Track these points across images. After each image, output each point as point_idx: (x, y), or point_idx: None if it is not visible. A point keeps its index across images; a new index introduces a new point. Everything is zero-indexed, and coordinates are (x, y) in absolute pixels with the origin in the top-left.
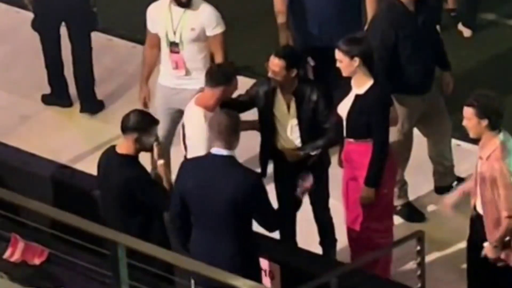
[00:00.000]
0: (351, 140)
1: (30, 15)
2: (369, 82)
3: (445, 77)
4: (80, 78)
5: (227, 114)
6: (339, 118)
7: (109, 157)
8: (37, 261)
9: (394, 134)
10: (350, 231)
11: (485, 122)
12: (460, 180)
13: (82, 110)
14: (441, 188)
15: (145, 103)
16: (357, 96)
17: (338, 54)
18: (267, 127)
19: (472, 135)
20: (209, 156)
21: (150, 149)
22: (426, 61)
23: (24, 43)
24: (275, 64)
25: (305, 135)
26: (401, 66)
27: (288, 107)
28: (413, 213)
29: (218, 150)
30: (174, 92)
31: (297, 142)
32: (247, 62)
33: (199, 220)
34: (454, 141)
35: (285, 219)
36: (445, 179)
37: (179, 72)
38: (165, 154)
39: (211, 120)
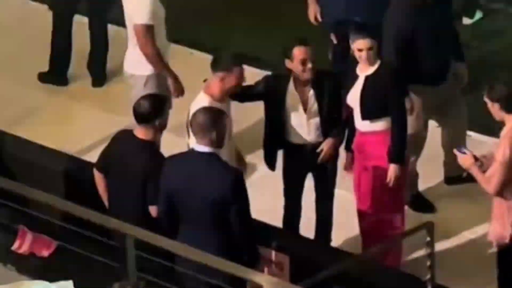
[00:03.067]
0: (367, 122)
1: (38, 7)
2: (377, 62)
3: (459, 68)
4: (96, 52)
5: (205, 111)
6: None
7: (129, 141)
8: (45, 253)
9: (409, 125)
10: (361, 222)
11: (497, 105)
12: None
13: (95, 85)
14: (451, 178)
15: None
16: (367, 77)
17: (367, 43)
18: (276, 122)
19: (496, 118)
20: (191, 152)
21: (166, 127)
22: (442, 53)
23: (32, 35)
24: (306, 51)
25: (327, 127)
26: (417, 57)
27: (305, 104)
28: (422, 204)
29: (200, 147)
30: None
31: (317, 137)
32: (257, 54)
33: (185, 217)
34: None
35: (258, 254)
36: (455, 169)
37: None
38: None
39: (192, 117)
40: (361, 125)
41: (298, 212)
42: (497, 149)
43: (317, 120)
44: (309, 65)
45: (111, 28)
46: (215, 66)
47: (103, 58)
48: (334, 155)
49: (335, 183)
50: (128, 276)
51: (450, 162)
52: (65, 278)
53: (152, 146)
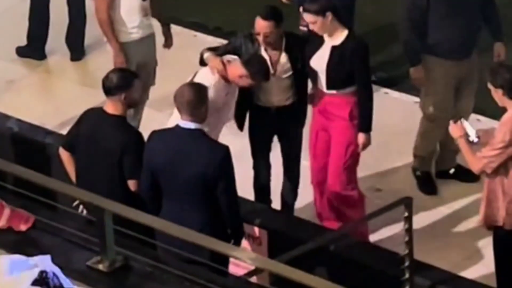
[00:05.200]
0: (333, 91)
1: None
2: (344, 33)
3: (496, 47)
4: (74, 26)
5: (191, 87)
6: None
7: (99, 118)
8: (23, 228)
9: (429, 98)
10: (315, 181)
11: (500, 91)
12: (459, 167)
13: (73, 59)
14: (442, 172)
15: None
16: (334, 48)
17: (309, 17)
18: None
19: (499, 104)
20: (176, 128)
21: (137, 104)
22: (463, 25)
23: (9, 8)
24: (265, 26)
25: (298, 87)
26: (433, 27)
27: (274, 66)
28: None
29: (185, 123)
30: (144, 41)
31: (283, 99)
32: (234, 27)
33: (168, 192)
34: None
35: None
36: (446, 163)
37: (148, 19)
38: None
39: (176, 92)
40: (326, 89)
41: (268, 171)
42: (496, 133)
43: (285, 82)
44: (264, 39)
45: (89, 1)
46: (248, 63)
47: (81, 32)
48: (299, 120)
49: (301, 147)
50: (106, 251)
51: (444, 156)
52: (43, 252)
53: (123, 120)
